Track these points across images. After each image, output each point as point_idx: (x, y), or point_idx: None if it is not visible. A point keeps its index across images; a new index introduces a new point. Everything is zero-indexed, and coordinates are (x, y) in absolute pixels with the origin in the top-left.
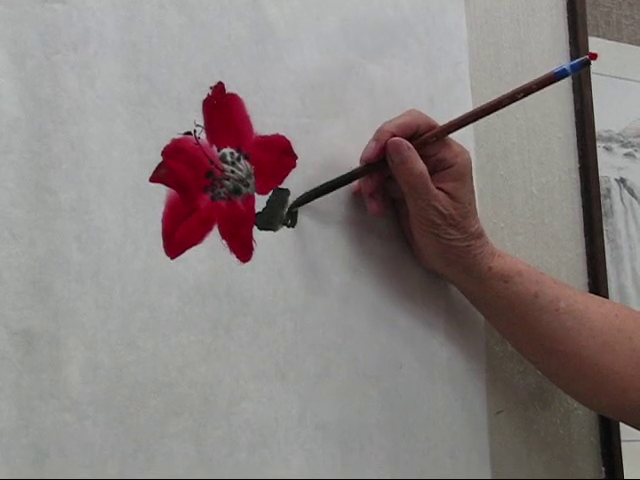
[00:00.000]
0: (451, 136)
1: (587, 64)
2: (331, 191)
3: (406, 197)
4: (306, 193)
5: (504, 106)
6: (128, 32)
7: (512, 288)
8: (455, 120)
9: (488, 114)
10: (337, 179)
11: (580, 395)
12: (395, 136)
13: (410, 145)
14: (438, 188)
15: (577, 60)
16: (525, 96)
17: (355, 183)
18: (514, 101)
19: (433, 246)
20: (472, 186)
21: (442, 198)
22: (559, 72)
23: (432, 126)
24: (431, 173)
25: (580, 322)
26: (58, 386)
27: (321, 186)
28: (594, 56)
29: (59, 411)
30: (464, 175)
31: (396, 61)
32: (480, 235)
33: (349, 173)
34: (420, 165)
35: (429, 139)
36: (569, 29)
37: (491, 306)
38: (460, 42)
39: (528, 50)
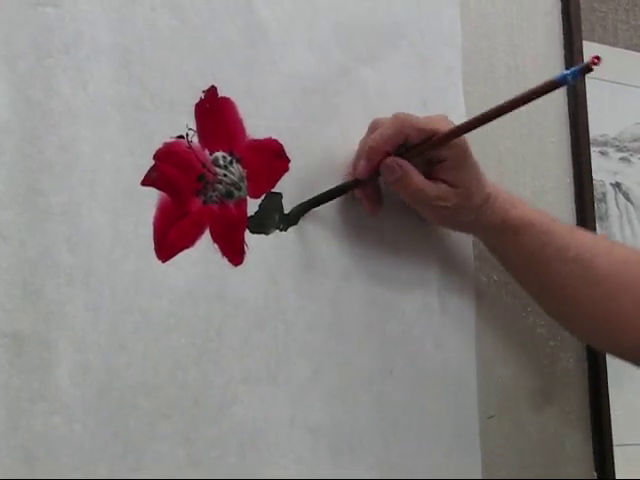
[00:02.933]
0: None
1: (589, 70)
2: (324, 202)
3: (408, 201)
4: (299, 205)
5: (501, 115)
6: (120, 35)
7: (522, 240)
8: (450, 130)
9: (484, 124)
10: (330, 191)
11: (586, 337)
12: (385, 152)
13: (402, 163)
14: (439, 180)
15: (578, 66)
16: (524, 104)
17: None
18: (513, 109)
19: (446, 224)
20: (471, 165)
21: (442, 193)
22: (559, 78)
23: (420, 129)
24: (429, 168)
25: (587, 270)
26: (48, 389)
27: (313, 199)
28: (597, 60)
29: (48, 414)
30: (462, 162)
31: (389, 65)
32: (487, 198)
33: (342, 185)
34: (415, 179)
35: (424, 149)
36: (564, 34)
37: (505, 256)
38: (454, 46)
39: (522, 55)
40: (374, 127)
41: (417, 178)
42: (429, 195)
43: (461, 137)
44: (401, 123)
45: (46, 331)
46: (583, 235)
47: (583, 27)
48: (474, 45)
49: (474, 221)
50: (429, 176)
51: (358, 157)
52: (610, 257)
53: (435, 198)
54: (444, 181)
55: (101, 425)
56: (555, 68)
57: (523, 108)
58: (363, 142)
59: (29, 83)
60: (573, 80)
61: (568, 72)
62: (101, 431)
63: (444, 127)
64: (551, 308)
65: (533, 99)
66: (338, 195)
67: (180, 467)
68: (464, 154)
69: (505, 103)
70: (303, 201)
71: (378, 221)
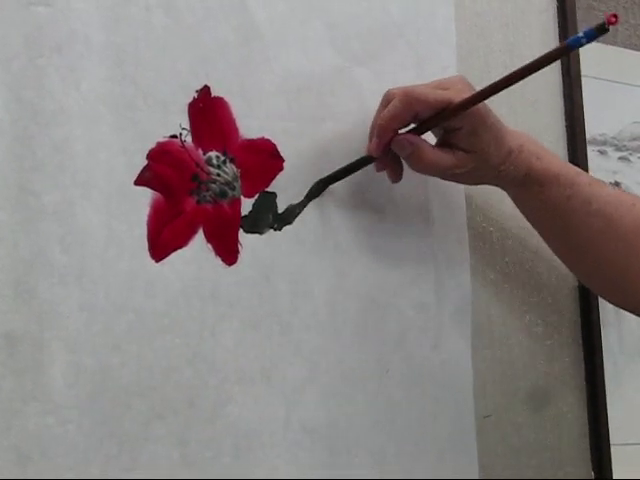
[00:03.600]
0: None
1: (605, 30)
2: (341, 179)
3: (424, 173)
4: (317, 182)
5: (513, 82)
6: (113, 34)
7: (546, 192)
8: (463, 100)
9: (497, 92)
10: (349, 166)
11: (605, 292)
12: (395, 130)
13: (412, 139)
14: (456, 148)
15: (592, 27)
16: (534, 72)
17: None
18: (525, 75)
19: (467, 182)
20: (489, 127)
21: (459, 161)
22: (572, 41)
23: (430, 104)
24: (445, 135)
25: (609, 224)
26: (41, 389)
27: (332, 174)
28: (614, 18)
29: (41, 414)
30: (477, 128)
31: (384, 65)
32: (508, 155)
33: (359, 160)
34: (427, 154)
35: (436, 123)
36: (559, 32)
37: (528, 208)
38: (449, 46)
39: (518, 54)
40: (387, 100)
41: (429, 151)
42: (443, 166)
43: (474, 110)
44: (410, 100)
45: (39, 331)
46: (606, 189)
47: (581, 26)
48: (469, 44)
49: (496, 176)
50: (445, 143)
51: (371, 133)
52: (633, 212)
53: (450, 167)
54: (460, 149)
55: (95, 425)
56: (551, 66)
57: (519, 107)
58: (376, 117)
59: (21, 82)
60: (587, 42)
61: (581, 34)
62: (95, 431)
63: (459, 92)
64: (572, 262)
65: (547, 64)
66: (356, 170)
67: (174, 467)
68: (481, 119)
69: (517, 70)
70: (322, 177)
71: (372, 222)
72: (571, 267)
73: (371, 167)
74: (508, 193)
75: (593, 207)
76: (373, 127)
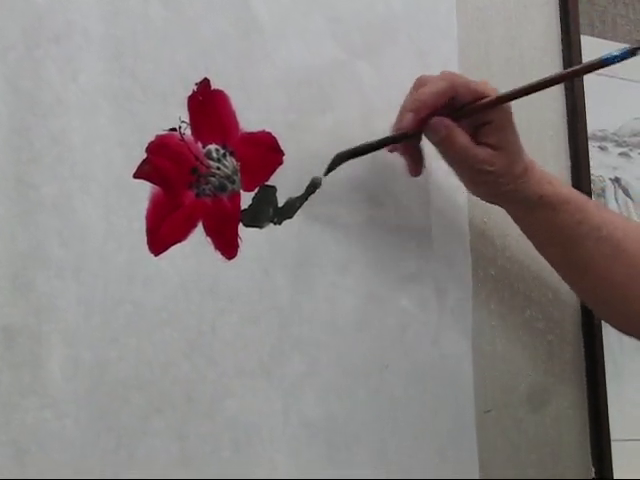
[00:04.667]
0: None
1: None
2: (364, 154)
3: (450, 165)
4: (337, 156)
5: (552, 84)
6: (112, 26)
7: (559, 216)
8: (503, 94)
9: (536, 91)
10: (373, 142)
11: (609, 317)
12: (433, 106)
13: (447, 123)
14: (482, 143)
15: (627, 48)
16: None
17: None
18: (565, 80)
19: (485, 192)
20: (514, 130)
21: (486, 156)
22: (608, 58)
23: (471, 89)
24: (474, 130)
25: (618, 250)
26: (38, 383)
27: (354, 148)
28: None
29: (39, 408)
30: (506, 125)
31: (385, 58)
32: (526, 170)
33: (385, 138)
34: (460, 139)
35: (475, 110)
36: (561, 26)
37: (538, 232)
38: (450, 39)
39: (519, 47)
40: (420, 84)
41: (463, 138)
42: (474, 156)
43: (504, 107)
44: (452, 79)
45: (37, 325)
46: (613, 214)
47: (582, 21)
48: (471, 37)
49: (512, 193)
50: (474, 140)
51: (402, 113)
52: None
53: (480, 161)
54: (488, 145)
55: (93, 420)
56: (552, 61)
57: (520, 102)
58: (408, 99)
59: (18, 74)
60: (621, 60)
61: (617, 53)
62: (93, 426)
63: (490, 91)
64: (580, 287)
65: (585, 73)
66: (379, 148)
67: (173, 462)
68: (510, 117)
69: (558, 73)
70: (343, 150)
71: (372, 216)
72: (579, 292)
73: (373, 162)
74: (516, 216)
75: (603, 233)
76: (403, 108)
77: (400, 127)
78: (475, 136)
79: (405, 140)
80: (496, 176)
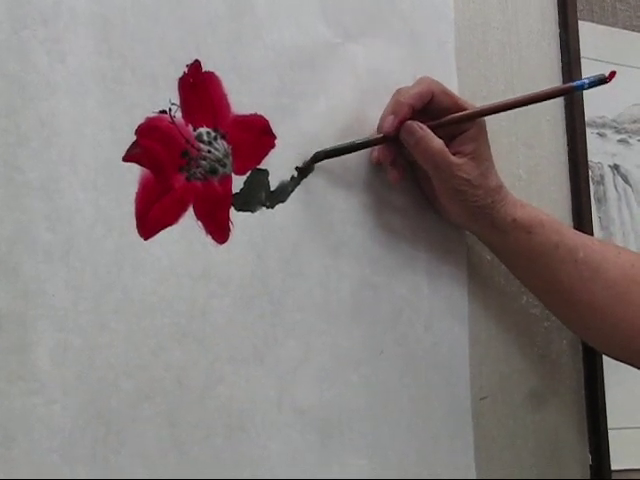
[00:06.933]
0: None
1: (603, 82)
2: (346, 154)
3: (428, 171)
4: (315, 154)
5: (515, 107)
6: (100, 5)
7: (535, 239)
8: (481, 109)
9: (499, 111)
10: (353, 144)
11: (593, 341)
12: (412, 106)
13: (423, 126)
14: (458, 152)
15: (594, 76)
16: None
17: (374, 154)
18: (525, 105)
19: (460, 208)
20: (487, 142)
21: (463, 164)
22: (578, 85)
23: (447, 93)
24: (450, 139)
25: (596, 272)
26: (26, 368)
27: (334, 148)
28: (612, 75)
29: (27, 394)
30: (481, 135)
31: (379, 40)
32: (500, 188)
33: (366, 140)
34: (436, 142)
35: (453, 120)
36: (558, 11)
37: (514, 257)
38: (446, 21)
39: (516, 31)
40: (398, 93)
41: (438, 142)
42: (450, 161)
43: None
44: (429, 81)
45: (24, 310)
46: (589, 237)
47: (581, 7)
48: (467, 20)
49: (487, 211)
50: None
51: (382, 118)
52: (618, 260)
53: (456, 166)
54: (464, 154)
55: (82, 406)
56: (550, 45)
57: (517, 86)
58: (388, 104)
59: (4, 55)
60: (588, 88)
61: (586, 81)
62: (82, 412)
63: (466, 104)
64: (560, 310)
65: (552, 98)
66: (359, 149)
67: (164, 449)
68: (484, 129)
69: (521, 97)
70: (328, 148)
71: (367, 201)
72: (563, 319)
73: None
74: (490, 242)
75: (580, 255)
76: (385, 113)
77: (382, 131)
78: (450, 147)
79: (384, 142)
80: (472, 187)
